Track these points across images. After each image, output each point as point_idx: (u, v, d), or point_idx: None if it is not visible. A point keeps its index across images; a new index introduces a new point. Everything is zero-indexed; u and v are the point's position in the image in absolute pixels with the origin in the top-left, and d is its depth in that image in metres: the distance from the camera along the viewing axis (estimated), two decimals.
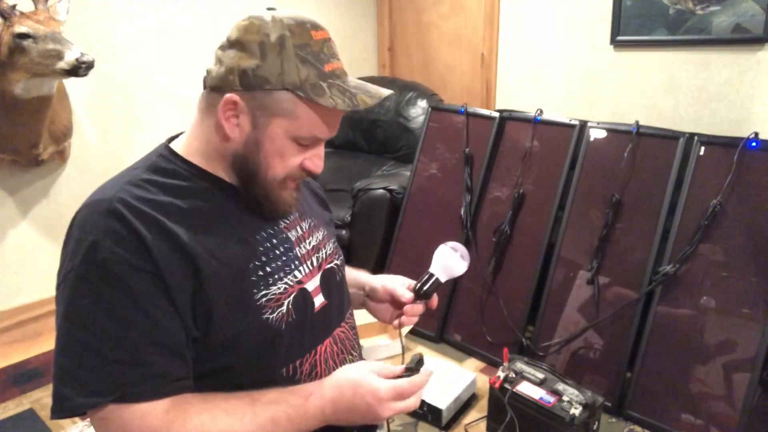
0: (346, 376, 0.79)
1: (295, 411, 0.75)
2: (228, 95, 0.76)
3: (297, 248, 0.88)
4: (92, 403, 0.68)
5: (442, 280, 0.97)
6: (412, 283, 1.00)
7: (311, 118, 0.78)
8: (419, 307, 0.97)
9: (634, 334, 1.91)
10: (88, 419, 0.72)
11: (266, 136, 0.78)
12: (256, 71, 0.75)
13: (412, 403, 0.79)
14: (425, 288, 0.97)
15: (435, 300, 0.99)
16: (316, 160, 0.83)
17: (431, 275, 0.97)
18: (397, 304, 1.00)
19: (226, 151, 0.80)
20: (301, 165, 0.82)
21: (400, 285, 1.00)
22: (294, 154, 0.80)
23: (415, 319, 0.99)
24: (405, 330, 1.01)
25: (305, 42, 0.76)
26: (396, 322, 0.99)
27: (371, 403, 0.76)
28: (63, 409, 0.69)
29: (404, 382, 0.78)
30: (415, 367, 0.81)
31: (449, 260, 0.97)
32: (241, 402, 0.74)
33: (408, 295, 0.97)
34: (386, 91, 0.83)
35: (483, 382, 2.00)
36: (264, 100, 0.76)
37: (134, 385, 0.69)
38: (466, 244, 2.34)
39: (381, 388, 0.76)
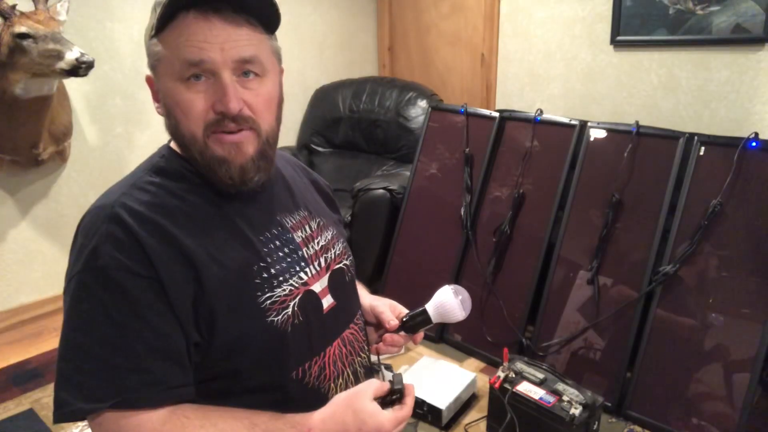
0: (352, 409, 0.77)
1: None
2: (146, 75, 0.80)
3: (304, 249, 0.87)
4: (91, 408, 0.68)
5: (433, 321, 0.92)
6: (403, 311, 0.97)
7: (168, 47, 0.73)
8: (400, 339, 0.94)
9: (634, 334, 1.91)
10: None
11: (164, 94, 0.76)
12: (146, 41, 0.77)
13: (406, 420, 0.81)
14: (413, 322, 0.93)
15: (420, 336, 0.96)
16: (222, 96, 0.73)
17: (424, 311, 0.93)
18: (380, 329, 0.98)
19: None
20: (213, 109, 0.74)
21: (388, 310, 0.97)
22: (192, 97, 0.74)
23: (395, 350, 0.95)
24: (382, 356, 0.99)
25: None
26: (374, 346, 0.97)
27: None
28: (63, 413, 0.68)
29: (404, 413, 0.79)
30: (402, 388, 0.81)
31: (447, 304, 0.91)
32: (240, 425, 0.73)
33: (393, 323, 0.94)
34: None
35: (483, 382, 2.00)
36: (151, 62, 0.77)
37: (132, 391, 0.68)
38: (466, 243, 2.35)
39: (385, 422, 0.76)
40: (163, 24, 0.73)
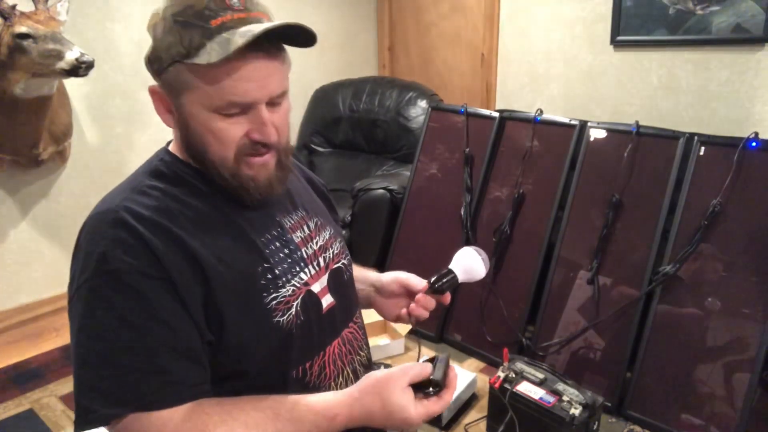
0: (381, 398, 0.74)
1: (318, 431, 0.74)
2: (150, 86, 0.77)
3: (303, 249, 0.87)
4: (115, 413, 0.68)
5: (460, 279, 0.95)
6: (423, 281, 0.98)
7: (212, 83, 0.70)
8: (432, 301, 0.94)
9: (634, 334, 1.91)
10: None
11: (187, 116, 0.74)
12: (154, 53, 0.73)
13: (438, 414, 0.79)
14: (442, 282, 0.94)
15: (448, 296, 0.96)
16: (261, 127, 0.74)
17: (450, 271, 0.95)
18: (411, 297, 0.98)
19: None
20: (248, 137, 0.75)
21: (413, 277, 0.99)
22: (228, 127, 0.73)
23: (426, 313, 0.95)
24: (410, 326, 0.99)
25: (186, 5, 0.70)
26: (404, 310, 0.97)
27: (402, 426, 0.75)
28: (88, 421, 0.68)
29: (438, 407, 0.77)
30: (441, 380, 0.77)
31: (472, 261, 0.95)
32: (263, 416, 0.72)
33: (423, 284, 0.95)
34: (270, 24, 0.69)
35: (483, 382, 2.00)
36: (168, 80, 0.73)
37: (154, 393, 0.69)
38: (466, 243, 2.34)
39: (414, 417, 0.75)
40: (196, 52, 0.70)
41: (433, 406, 0.76)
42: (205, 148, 0.76)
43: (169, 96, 0.75)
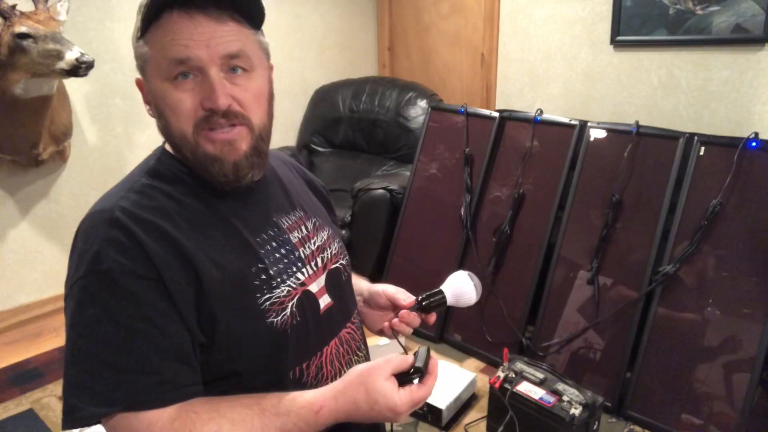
0: (365, 387, 0.75)
1: (306, 424, 0.74)
2: (136, 78, 0.82)
3: (300, 249, 0.87)
4: (103, 412, 0.68)
5: (449, 302, 0.95)
6: (411, 297, 0.98)
7: (155, 46, 0.74)
8: (416, 318, 0.94)
9: (634, 334, 1.91)
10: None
11: (154, 95, 0.77)
12: (133, 43, 0.79)
13: (423, 402, 0.79)
14: (430, 301, 0.94)
15: (433, 317, 0.96)
16: (210, 94, 0.73)
17: (440, 292, 0.95)
18: (397, 311, 0.98)
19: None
20: (202, 106, 0.74)
21: (402, 292, 0.98)
22: (181, 96, 0.74)
23: (409, 330, 0.95)
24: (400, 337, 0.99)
25: None
26: (387, 324, 0.97)
27: (388, 416, 0.75)
28: (75, 419, 0.68)
29: (422, 393, 0.77)
30: (423, 367, 0.78)
31: (463, 286, 0.95)
32: (250, 412, 0.72)
33: (410, 300, 0.95)
34: None
35: (483, 382, 2.00)
36: (139, 64, 0.78)
37: (143, 393, 0.69)
38: (466, 243, 2.35)
39: (399, 404, 0.74)
40: (147, 24, 0.74)
41: (418, 392, 0.76)
42: (167, 125, 0.76)
43: (145, 82, 0.78)
